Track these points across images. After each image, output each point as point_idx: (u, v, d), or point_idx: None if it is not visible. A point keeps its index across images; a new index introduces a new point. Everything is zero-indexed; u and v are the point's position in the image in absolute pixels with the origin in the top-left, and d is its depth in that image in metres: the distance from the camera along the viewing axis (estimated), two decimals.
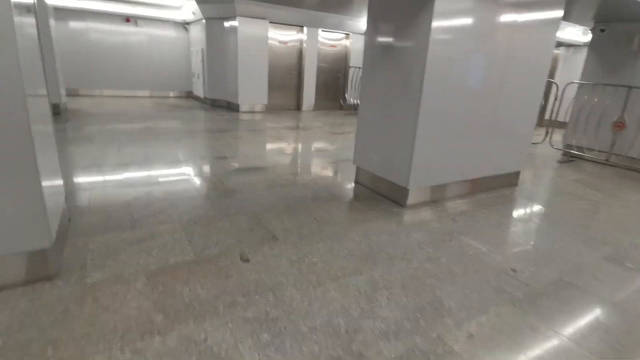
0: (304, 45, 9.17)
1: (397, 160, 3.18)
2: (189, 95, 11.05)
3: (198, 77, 9.80)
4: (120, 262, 2.03)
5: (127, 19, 9.55)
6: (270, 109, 9.14)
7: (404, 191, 3.16)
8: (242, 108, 8.61)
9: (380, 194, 3.45)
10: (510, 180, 4.01)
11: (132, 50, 9.94)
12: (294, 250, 2.31)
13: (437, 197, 3.40)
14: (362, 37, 10.03)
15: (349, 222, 2.79)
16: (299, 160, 4.76)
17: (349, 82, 9.93)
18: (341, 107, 10.40)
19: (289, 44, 9.15)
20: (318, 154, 5.14)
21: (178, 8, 9.83)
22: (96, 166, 3.79)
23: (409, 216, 3.00)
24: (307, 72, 9.42)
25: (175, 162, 4.14)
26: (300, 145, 5.68)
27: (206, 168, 4.02)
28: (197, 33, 9.58)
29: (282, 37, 9.00)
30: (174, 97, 10.82)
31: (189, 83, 10.84)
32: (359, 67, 9.66)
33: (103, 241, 2.24)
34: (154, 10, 9.65)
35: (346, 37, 9.91)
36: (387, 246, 2.44)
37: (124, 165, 3.86)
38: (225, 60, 8.96)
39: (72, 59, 9.27)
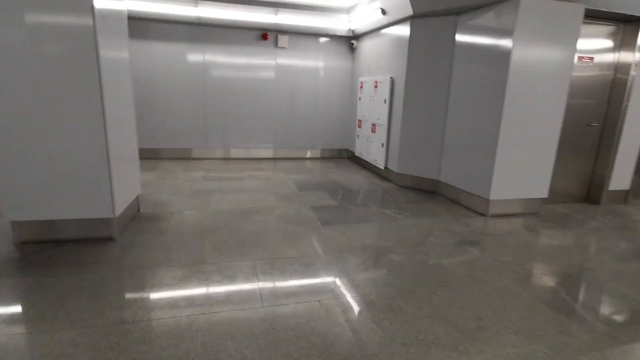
0: (636, 59, 3.96)
1: None
2: (342, 155, 6.74)
3: (373, 130, 5.37)
4: None
5: (265, 34, 5.76)
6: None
7: None
8: (494, 209, 3.72)
9: None
10: None
11: (268, 84, 6.09)
12: None
13: None
14: None
15: None
16: None
17: None
18: None
19: (594, 62, 4.07)
20: None
21: (347, 10, 5.68)
22: None
23: None
24: (633, 118, 4.14)
25: None
26: None
27: None
28: (379, 53, 5.21)
29: (581, 48, 3.95)
30: (323, 157, 6.60)
31: (347, 137, 6.55)
32: None
33: None
34: (306, 17, 5.69)
35: None
36: None
37: None
38: (450, 103, 4.31)
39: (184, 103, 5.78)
